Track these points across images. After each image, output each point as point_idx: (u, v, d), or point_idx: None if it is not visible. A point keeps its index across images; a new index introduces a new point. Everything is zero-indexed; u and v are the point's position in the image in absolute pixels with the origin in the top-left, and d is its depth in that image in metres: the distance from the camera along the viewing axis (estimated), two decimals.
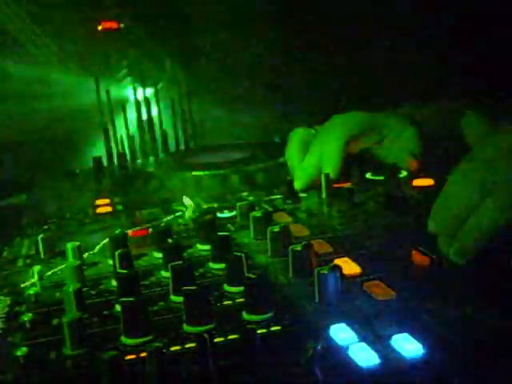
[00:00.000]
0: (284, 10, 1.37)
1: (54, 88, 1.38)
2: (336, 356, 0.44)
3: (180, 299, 0.53)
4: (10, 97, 1.35)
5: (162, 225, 0.73)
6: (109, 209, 0.90)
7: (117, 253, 0.63)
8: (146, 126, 1.24)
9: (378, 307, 0.51)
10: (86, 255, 0.69)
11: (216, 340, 0.46)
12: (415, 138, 0.90)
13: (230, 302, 0.55)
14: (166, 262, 0.61)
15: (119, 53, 1.45)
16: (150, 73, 1.41)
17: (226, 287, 0.58)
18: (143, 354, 0.45)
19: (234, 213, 0.79)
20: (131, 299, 0.50)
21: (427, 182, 0.85)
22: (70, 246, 0.67)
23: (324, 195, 0.83)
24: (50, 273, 0.66)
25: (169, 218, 0.79)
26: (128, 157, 1.20)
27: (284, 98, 1.42)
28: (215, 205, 0.85)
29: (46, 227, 0.82)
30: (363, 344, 0.45)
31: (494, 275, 0.55)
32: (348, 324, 0.48)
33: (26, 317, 0.56)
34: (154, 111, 1.27)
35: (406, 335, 0.45)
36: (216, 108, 1.44)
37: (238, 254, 0.58)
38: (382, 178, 0.89)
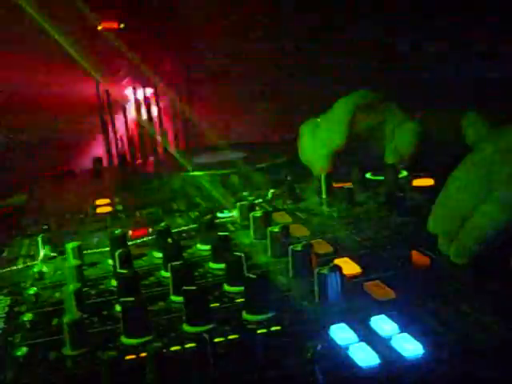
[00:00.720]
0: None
1: (53, 88, 1.38)
2: (336, 356, 0.44)
3: (180, 299, 0.53)
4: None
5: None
6: (109, 209, 0.90)
7: (117, 253, 0.63)
8: (146, 126, 1.24)
9: (377, 307, 0.51)
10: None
11: (216, 340, 0.46)
12: (414, 132, 0.90)
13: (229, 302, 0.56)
14: (166, 262, 0.61)
15: (119, 53, 1.45)
16: (150, 73, 1.41)
17: (226, 287, 0.58)
18: (143, 354, 0.45)
19: (234, 213, 0.79)
20: (131, 299, 0.50)
21: (427, 181, 0.85)
22: (69, 246, 0.67)
23: (324, 195, 0.83)
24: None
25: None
26: (128, 157, 1.20)
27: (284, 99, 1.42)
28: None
29: (45, 227, 0.82)
30: (363, 344, 0.45)
31: (494, 275, 0.55)
32: (348, 324, 0.48)
33: (26, 317, 0.56)
34: (154, 111, 1.27)
35: (405, 335, 0.45)
36: (216, 108, 1.44)
37: (238, 253, 0.58)
38: (381, 178, 0.89)
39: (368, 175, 0.92)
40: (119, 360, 0.44)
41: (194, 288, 0.51)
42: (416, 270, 0.58)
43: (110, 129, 1.21)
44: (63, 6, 1.34)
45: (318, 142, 0.90)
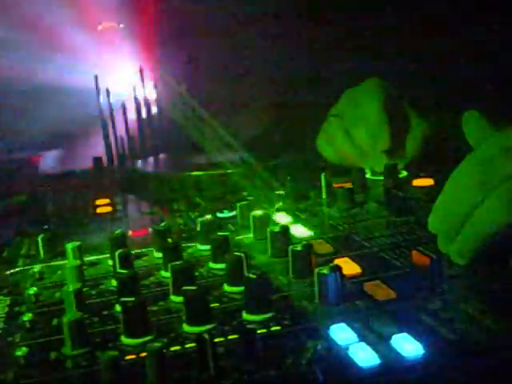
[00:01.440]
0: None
1: (53, 88, 1.38)
2: (336, 356, 0.44)
3: (180, 299, 0.53)
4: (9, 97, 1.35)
5: None
6: (109, 209, 0.90)
7: (117, 253, 0.63)
8: (146, 126, 1.24)
9: (377, 307, 0.51)
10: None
11: (216, 340, 0.46)
12: (422, 135, 0.93)
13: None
14: (166, 262, 0.61)
15: (119, 53, 1.45)
16: (150, 72, 1.41)
17: (226, 287, 0.58)
18: (143, 354, 0.45)
19: (233, 213, 0.79)
20: (131, 299, 0.50)
21: (427, 181, 0.85)
22: (70, 246, 0.67)
23: (324, 195, 0.83)
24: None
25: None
26: (128, 157, 1.20)
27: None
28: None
29: (45, 227, 0.82)
30: (363, 344, 0.45)
31: (494, 275, 0.55)
32: (348, 324, 0.48)
33: (26, 317, 0.56)
34: (154, 111, 1.27)
35: (405, 335, 0.45)
36: (216, 107, 1.44)
37: (238, 253, 0.58)
38: (381, 177, 0.89)
39: (368, 175, 0.92)
40: (119, 360, 0.43)
41: (193, 288, 0.51)
42: (416, 269, 0.58)
43: (110, 129, 1.21)
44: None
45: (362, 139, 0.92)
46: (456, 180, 0.59)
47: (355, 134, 0.95)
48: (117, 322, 0.52)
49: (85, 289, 0.60)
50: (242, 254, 0.58)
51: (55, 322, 0.55)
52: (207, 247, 0.67)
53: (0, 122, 1.33)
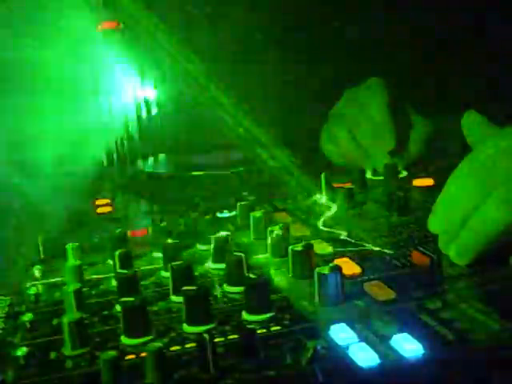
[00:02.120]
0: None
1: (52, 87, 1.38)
2: (336, 356, 0.44)
3: (180, 299, 0.53)
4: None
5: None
6: (109, 209, 0.90)
7: (117, 253, 0.63)
8: (146, 126, 1.24)
9: (377, 307, 0.51)
10: None
11: (216, 340, 0.46)
12: (423, 135, 0.94)
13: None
14: (166, 262, 0.61)
15: (119, 53, 1.45)
16: (150, 73, 1.41)
17: (226, 287, 0.58)
18: (143, 354, 0.45)
19: (233, 213, 0.79)
20: (131, 299, 0.50)
21: (427, 181, 0.85)
22: (69, 246, 0.67)
23: (324, 195, 0.83)
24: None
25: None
26: (128, 157, 1.20)
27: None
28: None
29: (46, 227, 0.82)
30: (363, 344, 0.45)
31: (494, 275, 0.55)
32: (348, 324, 0.48)
33: (26, 317, 0.56)
34: (154, 111, 1.27)
35: (405, 335, 0.45)
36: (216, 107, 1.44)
37: (238, 254, 0.58)
38: (381, 178, 0.89)
39: (368, 175, 0.92)
40: (119, 360, 0.43)
41: (193, 288, 0.51)
42: (416, 270, 0.58)
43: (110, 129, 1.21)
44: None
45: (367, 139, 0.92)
46: (456, 180, 0.59)
47: (359, 133, 0.95)
48: (117, 322, 0.52)
49: (85, 289, 0.60)
50: (242, 255, 0.58)
51: (55, 321, 0.55)
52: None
53: None
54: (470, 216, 0.56)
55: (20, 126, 1.34)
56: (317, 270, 0.53)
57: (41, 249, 0.72)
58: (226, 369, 0.43)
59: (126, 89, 1.40)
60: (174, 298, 0.57)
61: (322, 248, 0.65)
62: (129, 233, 0.74)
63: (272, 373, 0.43)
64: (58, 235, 0.76)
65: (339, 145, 0.97)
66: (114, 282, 0.61)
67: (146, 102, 1.25)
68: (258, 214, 0.71)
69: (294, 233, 0.70)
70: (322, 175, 0.83)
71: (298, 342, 0.46)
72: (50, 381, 0.46)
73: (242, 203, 0.77)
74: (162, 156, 1.24)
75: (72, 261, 0.65)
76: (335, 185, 0.84)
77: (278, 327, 0.49)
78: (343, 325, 0.48)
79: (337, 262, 0.59)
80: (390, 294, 0.53)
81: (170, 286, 0.57)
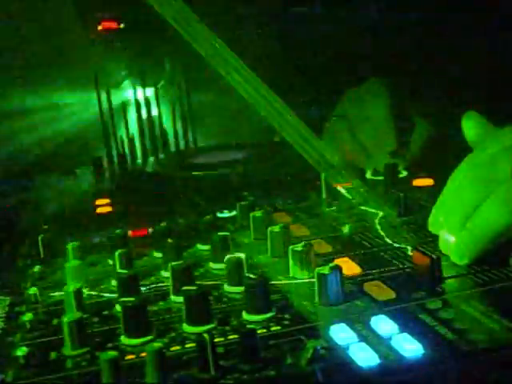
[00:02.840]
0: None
1: (52, 88, 1.38)
2: (336, 356, 0.44)
3: (180, 299, 0.53)
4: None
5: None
6: (109, 209, 0.90)
7: (117, 253, 0.63)
8: (146, 126, 1.24)
9: (378, 307, 0.51)
10: None
11: (216, 340, 0.46)
12: (424, 135, 0.94)
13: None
14: (166, 262, 0.61)
15: (119, 53, 1.45)
16: (150, 73, 1.41)
17: (226, 287, 0.58)
18: (143, 354, 0.45)
19: (233, 213, 0.79)
20: (131, 299, 0.50)
21: (427, 181, 0.85)
22: (69, 246, 0.67)
23: (324, 195, 0.83)
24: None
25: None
26: (128, 157, 1.20)
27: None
28: None
29: (45, 227, 0.82)
30: (363, 344, 0.45)
31: (494, 275, 0.55)
32: (348, 324, 0.48)
33: (26, 317, 0.56)
34: (154, 111, 1.27)
35: (405, 335, 0.45)
36: (216, 107, 1.44)
37: (238, 254, 0.58)
38: (381, 178, 0.89)
39: (368, 175, 0.92)
40: (119, 360, 0.43)
41: (194, 288, 0.51)
42: (416, 269, 0.58)
43: (110, 129, 1.21)
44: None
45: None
46: (456, 180, 0.59)
47: (361, 134, 0.95)
48: (117, 322, 0.52)
49: (85, 289, 0.60)
50: (242, 255, 0.58)
51: (55, 321, 0.55)
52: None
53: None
54: (470, 216, 0.56)
55: (18, 125, 1.34)
56: (317, 270, 0.53)
57: (41, 249, 0.72)
58: (226, 369, 0.43)
59: (126, 89, 1.40)
60: (174, 297, 0.57)
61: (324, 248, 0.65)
62: (129, 233, 0.74)
63: (272, 373, 0.43)
64: (58, 235, 0.76)
65: (340, 145, 0.97)
66: (114, 282, 0.61)
67: (146, 102, 1.25)
68: (258, 213, 0.71)
69: (294, 233, 0.70)
70: (322, 175, 0.83)
71: (298, 342, 0.46)
72: (49, 381, 0.46)
73: (242, 203, 0.77)
74: (162, 156, 1.25)
75: (72, 261, 0.65)
76: (335, 185, 0.84)
77: (278, 327, 0.49)
78: (343, 325, 0.48)
79: (337, 261, 0.59)
80: (390, 294, 0.53)
81: (170, 286, 0.57)
